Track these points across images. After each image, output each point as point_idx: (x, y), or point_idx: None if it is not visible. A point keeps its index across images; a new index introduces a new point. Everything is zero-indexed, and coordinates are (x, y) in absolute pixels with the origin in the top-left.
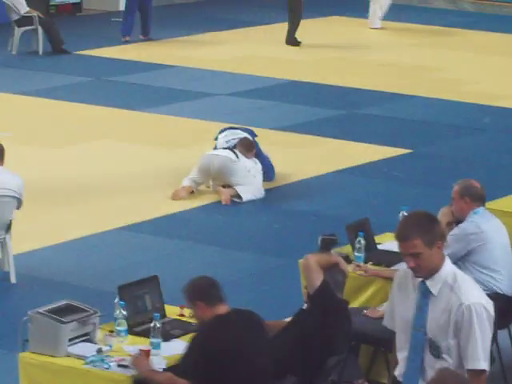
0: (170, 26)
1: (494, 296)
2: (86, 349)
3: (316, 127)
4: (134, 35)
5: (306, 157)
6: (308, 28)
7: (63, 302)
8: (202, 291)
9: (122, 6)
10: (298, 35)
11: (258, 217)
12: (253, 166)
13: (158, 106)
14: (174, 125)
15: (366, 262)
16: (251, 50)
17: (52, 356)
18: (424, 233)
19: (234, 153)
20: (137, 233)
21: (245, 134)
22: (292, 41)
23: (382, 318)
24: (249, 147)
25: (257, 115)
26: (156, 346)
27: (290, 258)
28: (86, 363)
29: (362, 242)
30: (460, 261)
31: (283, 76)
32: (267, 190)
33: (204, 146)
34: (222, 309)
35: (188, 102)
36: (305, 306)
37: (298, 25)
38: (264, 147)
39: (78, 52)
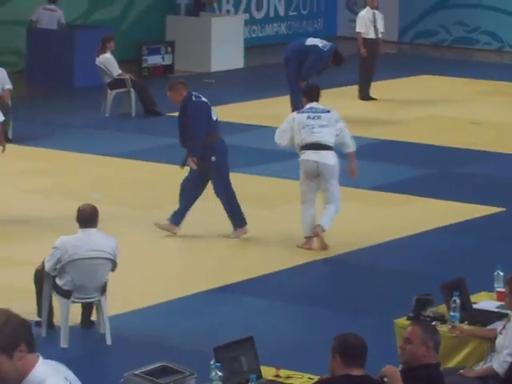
0: (261, 87)
1: None
2: None
3: (408, 186)
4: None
5: (398, 216)
6: (399, 86)
7: (159, 364)
8: (341, 347)
9: (213, 68)
10: (385, 93)
11: (350, 275)
12: None
13: (249, 166)
14: (264, 185)
15: (461, 322)
16: (345, 110)
17: None
18: None
19: None
20: (227, 293)
21: None
22: (365, 96)
23: (477, 377)
24: None
25: (346, 174)
26: None
27: (384, 317)
28: None
29: (458, 301)
30: None
31: (374, 135)
32: (362, 250)
33: (295, 206)
34: (357, 371)
35: (280, 162)
36: (400, 367)
37: (370, 81)
38: (357, 206)
39: (170, 114)
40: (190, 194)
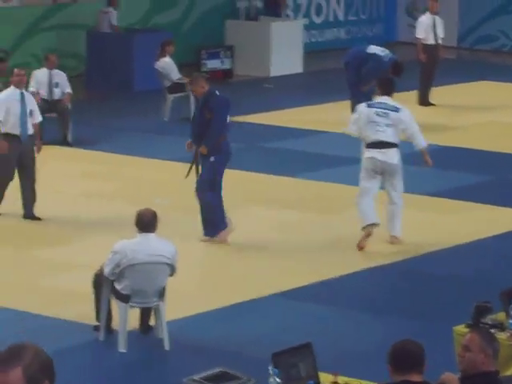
0: (321, 92)
1: None
2: None
3: (467, 192)
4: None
5: (457, 222)
6: (459, 92)
7: (217, 370)
8: (393, 356)
9: (272, 72)
10: (444, 98)
11: (411, 281)
12: None
13: (310, 171)
14: (326, 190)
15: None
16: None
17: None
18: None
19: None
20: (289, 299)
21: None
22: (425, 102)
23: None
24: None
25: (409, 181)
26: None
27: (443, 324)
28: None
29: None
30: None
31: (434, 141)
32: (422, 256)
33: (355, 212)
34: (416, 377)
35: (341, 167)
36: (459, 375)
37: (430, 86)
38: (416, 213)
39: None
40: (214, 197)
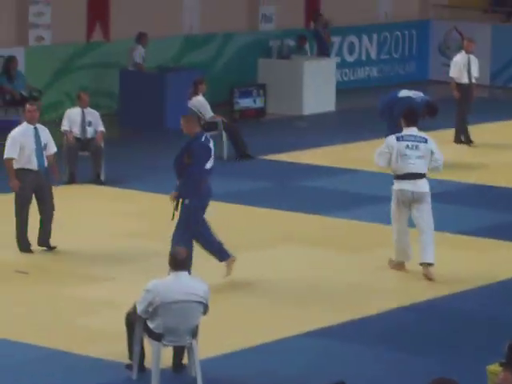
0: (353, 130)
1: None
2: None
3: (500, 231)
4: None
5: (491, 261)
6: (492, 131)
7: None
8: None
9: (305, 111)
10: (479, 137)
11: (444, 319)
12: None
13: (341, 210)
14: (357, 229)
15: None
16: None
17: None
18: None
19: None
20: (318, 337)
21: None
22: (460, 140)
23: None
24: None
25: (442, 219)
26: None
27: (476, 364)
28: None
29: None
30: None
31: (468, 180)
32: (455, 294)
33: (387, 251)
34: None
35: (372, 206)
36: None
37: (464, 124)
38: (450, 251)
39: (261, 157)
40: (206, 232)
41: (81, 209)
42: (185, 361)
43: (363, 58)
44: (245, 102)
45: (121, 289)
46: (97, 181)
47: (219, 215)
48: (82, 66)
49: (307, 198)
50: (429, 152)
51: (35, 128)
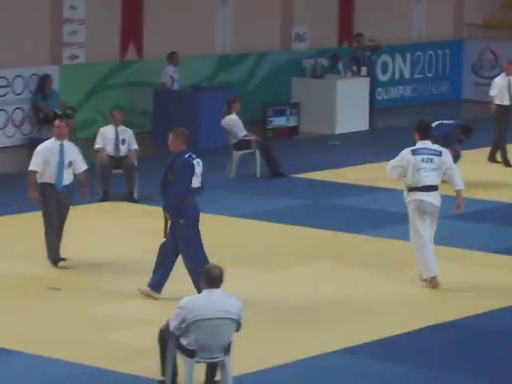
0: (386, 149)
1: None
2: None
3: None
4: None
5: None
6: None
7: None
8: None
9: (338, 129)
10: None
11: (475, 338)
12: None
13: (375, 228)
14: (390, 247)
15: None
16: (475, 172)
17: None
18: None
19: None
20: (353, 355)
21: None
22: (492, 158)
23: None
24: None
25: (472, 238)
26: None
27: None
28: None
29: None
30: None
31: (503, 199)
32: (484, 313)
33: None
34: None
35: (406, 224)
36: None
37: (503, 144)
38: (480, 270)
39: (294, 175)
40: (169, 260)
41: (114, 226)
42: (217, 377)
43: (396, 77)
44: (278, 121)
45: (153, 305)
46: (130, 198)
47: (253, 233)
48: (116, 84)
49: (340, 216)
50: (442, 164)
51: (61, 144)
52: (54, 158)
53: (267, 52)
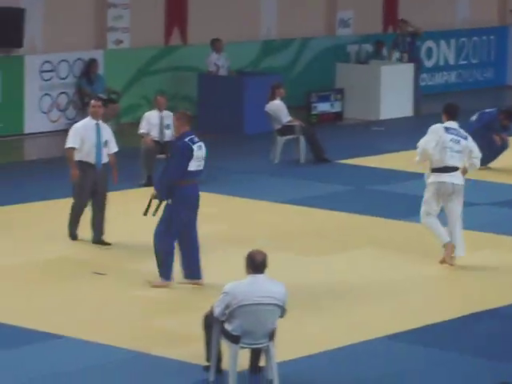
0: None
1: None
2: None
3: None
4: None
5: None
6: None
7: None
8: None
9: (382, 115)
10: None
11: None
12: None
13: (416, 214)
14: (427, 233)
15: None
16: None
17: None
18: None
19: None
20: (398, 342)
21: None
22: None
23: None
24: None
25: (508, 224)
26: None
27: None
28: None
29: None
30: None
31: None
32: None
33: (467, 256)
34: None
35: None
36: None
37: None
38: None
39: (338, 161)
40: (183, 245)
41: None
42: (262, 363)
43: (441, 63)
44: (322, 107)
45: (197, 290)
46: None
47: (296, 218)
48: (160, 69)
49: (383, 202)
50: (467, 149)
51: (97, 124)
52: (90, 137)
53: (311, 38)
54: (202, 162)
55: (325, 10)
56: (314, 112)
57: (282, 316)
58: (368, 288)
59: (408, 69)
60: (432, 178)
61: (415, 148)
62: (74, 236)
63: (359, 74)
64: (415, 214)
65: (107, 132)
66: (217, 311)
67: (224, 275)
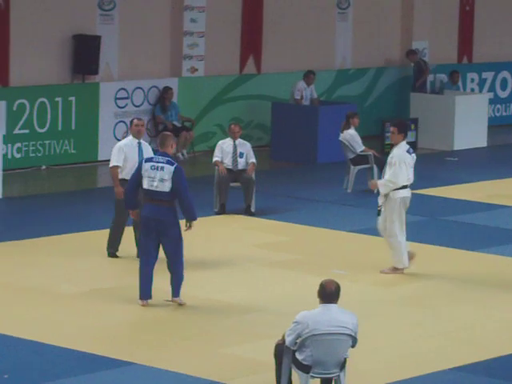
0: (504, 166)
1: None
2: None
3: None
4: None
5: None
6: None
7: None
8: None
9: (456, 146)
10: None
11: None
12: None
13: (491, 246)
14: (505, 265)
15: None
16: None
17: None
18: None
19: None
20: (467, 374)
21: None
22: None
23: None
24: None
25: None
26: None
27: None
28: None
29: None
30: None
31: None
32: None
33: None
34: None
35: None
36: None
37: None
38: None
39: (412, 191)
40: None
41: (230, 239)
42: None
43: None
44: None
45: (269, 319)
46: (247, 212)
47: (368, 248)
48: (234, 97)
49: (456, 232)
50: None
51: (139, 143)
52: (132, 156)
53: (386, 67)
54: (162, 184)
55: (400, 39)
56: (387, 142)
57: (353, 346)
58: (436, 319)
59: (482, 99)
60: (398, 194)
61: (489, 179)
62: (111, 253)
63: (433, 104)
64: (489, 245)
65: (148, 152)
66: (288, 340)
67: (297, 304)
